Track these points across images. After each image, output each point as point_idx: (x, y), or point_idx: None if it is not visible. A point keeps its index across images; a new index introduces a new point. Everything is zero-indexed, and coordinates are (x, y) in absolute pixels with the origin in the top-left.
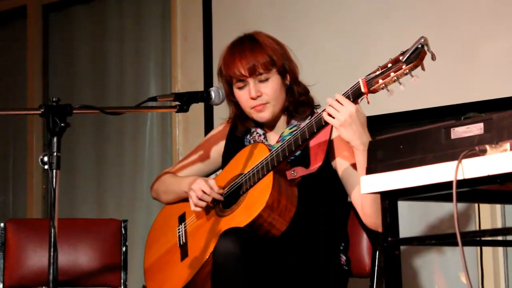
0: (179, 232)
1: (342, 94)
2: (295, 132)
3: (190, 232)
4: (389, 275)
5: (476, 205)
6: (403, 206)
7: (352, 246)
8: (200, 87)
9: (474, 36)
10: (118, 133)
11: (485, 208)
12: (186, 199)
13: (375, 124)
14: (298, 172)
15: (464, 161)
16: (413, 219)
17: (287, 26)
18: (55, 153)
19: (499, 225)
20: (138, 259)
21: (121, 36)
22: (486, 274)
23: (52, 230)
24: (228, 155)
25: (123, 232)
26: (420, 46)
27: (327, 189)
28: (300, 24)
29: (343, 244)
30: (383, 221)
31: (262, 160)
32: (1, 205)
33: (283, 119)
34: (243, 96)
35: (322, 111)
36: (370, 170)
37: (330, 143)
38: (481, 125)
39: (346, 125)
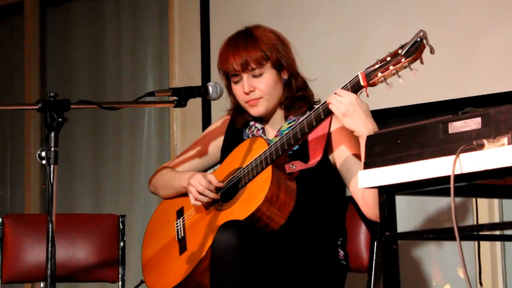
0: (177, 226)
1: (342, 87)
2: (294, 126)
3: (188, 226)
4: (387, 270)
5: (474, 199)
6: (401, 199)
7: (350, 240)
8: (197, 82)
9: (473, 31)
10: (115, 128)
11: (483, 202)
12: (184, 194)
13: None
14: (297, 166)
15: (462, 155)
16: (411, 213)
17: (285, 20)
18: (52, 148)
19: (496, 219)
20: (136, 254)
21: (119, 31)
22: (483, 269)
23: (50, 225)
24: (227, 149)
25: (121, 227)
26: (419, 39)
27: (325, 184)
28: (298, 18)
29: (341, 238)
30: (381, 216)
31: (261, 154)
32: None
33: (280, 114)
34: (238, 90)
35: (321, 105)
36: (367, 164)
37: (328, 137)
38: (478, 119)
39: (349, 114)
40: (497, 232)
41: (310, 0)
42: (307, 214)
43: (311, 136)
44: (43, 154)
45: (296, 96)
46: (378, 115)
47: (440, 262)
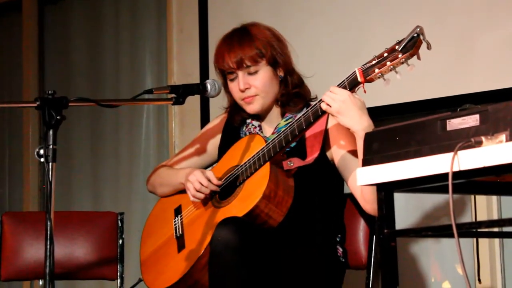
0: (175, 224)
1: (339, 84)
2: (291, 123)
3: (186, 224)
4: (386, 267)
5: (472, 196)
6: (399, 196)
7: (349, 237)
8: (196, 79)
9: (470, 28)
10: (114, 125)
11: (481, 199)
12: (182, 192)
13: (371, 116)
14: (294, 162)
15: (460, 152)
16: (409, 210)
17: (283, 17)
18: (51, 146)
19: (495, 216)
20: (134, 251)
21: (117, 29)
22: (482, 265)
23: (49, 223)
24: (224, 147)
25: (120, 224)
26: (416, 35)
27: (324, 181)
28: (296, 15)
29: (339, 235)
30: (379, 213)
31: (259, 151)
32: None
33: (276, 111)
34: (233, 88)
35: (318, 101)
36: (366, 161)
37: (325, 134)
38: (476, 116)
39: (342, 112)
40: (496, 229)
41: None
42: (305, 211)
43: (308, 133)
44: (42, 152)
45: (292, 93)
46: (376, 112)
47: (439, 259)
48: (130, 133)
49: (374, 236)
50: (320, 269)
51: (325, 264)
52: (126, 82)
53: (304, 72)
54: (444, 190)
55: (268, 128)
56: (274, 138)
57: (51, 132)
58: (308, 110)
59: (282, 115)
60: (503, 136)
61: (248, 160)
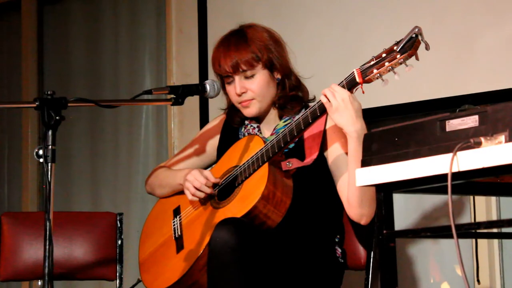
0: (174, 225)
1: (338, 84)
2: (290, 124)
3: (185, 224)
4: (385, 268)
5: (472, 196)
6: (398, 196)
7: (348, 238)
8: (195, 79)
9: (469, 28)
10: (113, 126)
11: (480, 200)
12: (181, 193)
13: (370, 116)
14: (293, 163)
15: (459, 153)
16: (408, 210)
17: (282, 18)
18: (50, 146)
19: (494, 217)
20: (133, 252)
21: (116, 29)
22: (481, 266)
23: (48, 224)
24: (223, 148)
25: (119, 225)
26: (414, 35)
27: (322, 181)
28: (295, 16)
29: (338, 236)
30: (378, 214)
31: (257, 152)
32: None
33: (274, 113)
34: (231, 91)
35: (317, 102)
36: (365, 162)
37: (324, 135)
38: (476, 117)
39: (339, 110)
40: (495, 230)
41: None
42: (304, 212)
43: (307, 134)
44: (41, 152)
45: (289, 95)
46: (376, 113)
47: (438, 259)
48: (129, 133)
49: (373, 237)
50: (319, 270)
51: (324, 264)
52: (125, 82)
53: (303, 73)
54: (443, 190)
55: (267, 129)
56: (273, 139)
57: (50, 132)
58: (306, 111)
59: (280, 117)
60: (502, 137)
61: (247, 160)
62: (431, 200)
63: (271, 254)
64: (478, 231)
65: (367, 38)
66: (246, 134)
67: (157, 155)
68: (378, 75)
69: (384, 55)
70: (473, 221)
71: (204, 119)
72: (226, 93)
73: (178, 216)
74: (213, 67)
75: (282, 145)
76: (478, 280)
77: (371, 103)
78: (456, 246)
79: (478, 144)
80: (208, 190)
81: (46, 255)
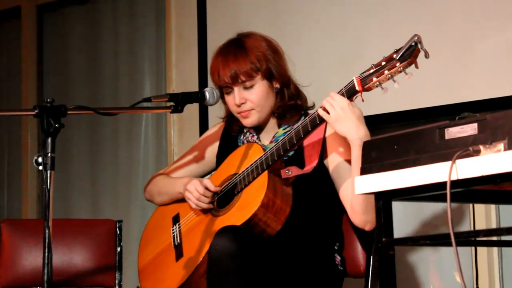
0: (173, 232)
1: (337, 92)
2: (289, 132)
3: (184, 232)
4: (384, 275)
5: (471, 204)
6: (397, 203)
7: (347, 246)
8: (194, 86)
9: (468, 35)
10: (113, 133)
11: (480, 207)
12: (180, 200)
13: (369, 124)
14: (293, 171)
15: (458, 161)
16: (407, 217)
17: (281, 25)
18: (49, 154)
19: (493, 224)
20: (133, 259)
21: (116, 36)
22: (480, 274)
23: (47, 231)
24: (222, 155)
25: (118, 232)
26: (413, 44)
27: (321, 189)
28: (294, 23)
29: (337, 244)
30: (377, 222)
31: (257, 160)
32: None
33: (273, 122)
34: (230, 101)
35: (316, 111)
36: (364, 170)
37: (323, 142)
38: (475, 125)
39: (340, 119)
40: (494, 238)
41: (307, 6)
42: (303, 220)
43: (306, 142)
44: (40, 159)
45: (288, 104)
46: (375, 121)
47: (437, 267)
48: (129, 141)
49: (372, 244)
50: (318, 277)
51: (323, 272)
52: (125, 89)
53: (302, 79)
54: (442, 198)
55: (265, 137)
56: (272, 147)
57: (49, 140)
58: (306, 119)
59: (279, 125)
60: (501, 145)
61: (246, 168)
62: (430, 208)
63: (270, 262)
64: (477, 239)
65: (366, 45)
66: (245, 141)
67: (157, 162)
68: (378, 83)
69: (383, 63)
70: (472, 228)
71: (203, 126)
72: (225, 102)
73: (177, 224)
74: (212, 78)
75: (282, 153)
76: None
77: (370, 111)
78: (455, 254)
79: (477, 152)
80: (207, 200)
81: (45, 263)
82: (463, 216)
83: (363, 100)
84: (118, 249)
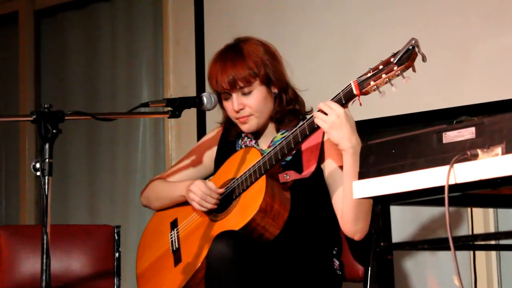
0: (171, 237)
1: (334, 96)
2: (287, 136)
3: (182, 237)
4: (382, 280)
5: (469, 208)
6: (395, 207)
7: (345, 250)
8: (192, 92)
9: (466, 39)
10: (110, 138)
11: (478, 211)
12: (178, 205)
13: (367, 128)
14: (291, 175)
15: (456, 165)
16: (405, 221)
17: (279, 29)
18: (47, 160)
19: (492, 228)
20: (131, 265)
21: (113, 42)
22: (479, 278)
23: (45, 237)
24: (220, 160)
25: (116, 238)
26: (411, 47)
27: (320, 193)
28: (292, 27)
29: (336, 248)
30: (376, 226)
31: (255, 164)
32: None
33: (271, 126)
34: (228, 107)
35: (313, 115)
36: (362, 174)
37: (321, 147)
38: (472, 129)
39: (335, 126)
40: (493, 242)
41: (304, 10)
42: (301, 224)
43: (304, 146)
44: (38, 165)
45: (286, 109)
46: (373, 124)
47: (435, 271)
48: (127, 145)
49: (371, 249)
50: (316, 282)
51: (321, 277)
52: (122, 94)
53: (300, 83)
54: (440, 203)
55: (264, 142)
56: (270, 151)
57: (47, 145)
58: (303, 123)
59: (277, 130)
60: (499, 149)
61: (244, 173)
62: (428, 212)
63: (269, 267)
64: (475, 243)
65: (363, 49)
66: (243, 146)
67: (155, 167)
68: (375, 87)
69: (381, 67)
70: (470, 232)
71: (201, 131)
72: (223, 108)
73: (175, 229)
74: (210, 83)
75: (280, 157)
76: None
77: (367, 115)
78: (453, 259)
79: (475, 157)
80: (213, 201)
81: (43, 269)
82: (461, 220)
83: (360, 104)
84: (117, 254)
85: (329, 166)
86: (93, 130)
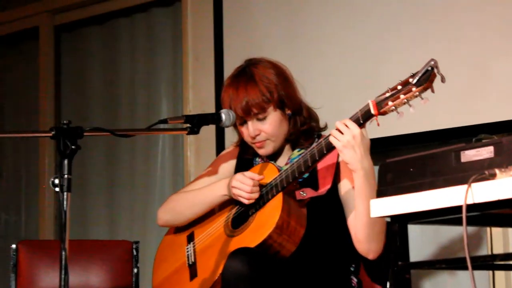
0: (188, 251)
1: (352, 115)
2: (304, 153)
3: (199, 251)
4: None
5: (488, 228)
6: (414, 226)
7: (363, 267)
8: (211, 107)
9: (485, 56)
10: (129, 154)
11: (497, 231)
12: (195, 220)
13: (385, 145)
14: (307, 193)
15: (474, 185)
16: (424, 240)
17: (296, 45)
18: (66, 176)
19: (511, 248)
20: (149, 280)
21: (133, 57)
22: None
23: (63, 253)
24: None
25: (135, 253)
26: (430, 68)
27: (336, 211)
28: (309, 44)
29: (353, 265)
30: (393, 245)
31: (272, 181)
32: (14, 226)
33: (287, 147)
34: (244, 132)
35: (330, 133)
36: (380, 193)
37: (337, 166)
38: (491, 148)
39: (348, 147)
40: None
41: (323, 26)
42: (318, 241)
43: (320, 165)
44: (57, 181)
45: (301, 130)
46: (391, 142)
47: None
48: (146, 162)
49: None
50: None
51: None
52: (142, 110)
53: (317, 99)
54: (458, 222)
55: (281, 161)
56: (287, 168)
57: (66, 161)
58: (321, 141)
59: (293, 148)
60: None
61: (261, 189)
62: (448, 231)
63: (285, 284)
64: (494, 262)
65: (382, 66)
66: (261, 161)
67: (174, 184)
68: (394, 107)
69: (399, 87)
70: (490, 252)
71: (220, 147)
72: (237, 130)
73: (192, 243)
74: (223, 108)
75: (297, 175)
76: None
77: (385, 132)
78: (471, 279)
79: (493, 176)
80: (257, 190)
81: (61, 284)
82: (480, 240)
83: (378, 125)
84: (135, 270)
85: (344, 185)
86: (113, 146)
